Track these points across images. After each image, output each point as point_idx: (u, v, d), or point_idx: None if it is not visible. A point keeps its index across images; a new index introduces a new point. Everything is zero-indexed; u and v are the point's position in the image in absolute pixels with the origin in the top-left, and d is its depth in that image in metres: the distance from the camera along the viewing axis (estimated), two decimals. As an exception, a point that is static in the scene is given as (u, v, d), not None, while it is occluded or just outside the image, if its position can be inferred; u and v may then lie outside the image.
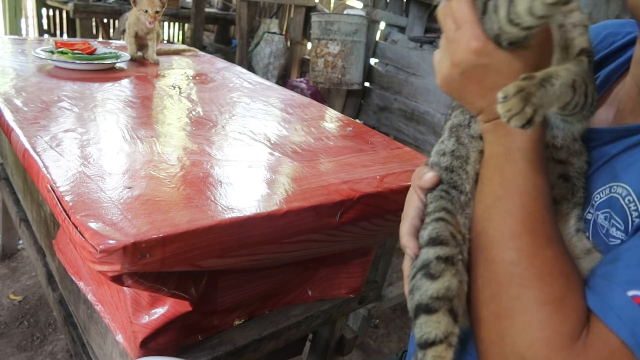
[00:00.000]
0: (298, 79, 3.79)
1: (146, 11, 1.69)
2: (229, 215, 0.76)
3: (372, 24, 3.32)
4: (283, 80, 3.89)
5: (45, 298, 2.09)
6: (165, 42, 3.78)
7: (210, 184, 0.86)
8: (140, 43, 1.81)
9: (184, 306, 0.84)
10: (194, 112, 1.28)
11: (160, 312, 0.84)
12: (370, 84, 3.49)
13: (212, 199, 0.80)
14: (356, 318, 1.80)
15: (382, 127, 3.30)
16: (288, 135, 1.19)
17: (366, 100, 3.53)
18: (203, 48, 3.73)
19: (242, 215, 0.76)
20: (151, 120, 1.21)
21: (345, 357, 1.47)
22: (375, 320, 2.20)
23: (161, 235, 0.68)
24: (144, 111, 1.27)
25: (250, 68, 3.69)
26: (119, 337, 0.91)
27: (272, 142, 1.12)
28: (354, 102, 3.53)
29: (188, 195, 0.80)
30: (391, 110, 3.31)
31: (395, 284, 2.05)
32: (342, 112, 3.65)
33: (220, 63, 2.02)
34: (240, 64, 3.61)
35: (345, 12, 3.33)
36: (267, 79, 3.75)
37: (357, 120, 3.45)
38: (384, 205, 0.98)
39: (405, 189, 1.04)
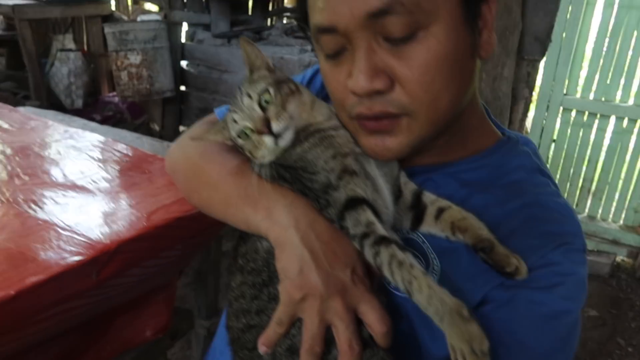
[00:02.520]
0: (110, 94, 3.54)
1: None
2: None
3: (172, 26, 3.18)
4: (94, 97, 3.59)
5: None
6: None
7: None
8: None
9: None
10: None
11: None
12: (187, 88, 3.38)
13: None
14: (198, 339, 1.75)
15: (207, 130, 3.23)
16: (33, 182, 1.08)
17: (186, 105, 3.42)
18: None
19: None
20: None
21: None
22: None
23: None
24: None
25: (50, 92, 3.33)
26: None
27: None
28: (173, 109, 3.40)
29: None
30: (212, 110, 3.25)
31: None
32: (162, 121, 3.49)
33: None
34: (37, 91, 3.24)
35: (139, 18, 3.15)
36: (72, 100, 3.42)
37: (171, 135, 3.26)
38: (155, 245, 0.94)
39: (176, 220, 1.00)
